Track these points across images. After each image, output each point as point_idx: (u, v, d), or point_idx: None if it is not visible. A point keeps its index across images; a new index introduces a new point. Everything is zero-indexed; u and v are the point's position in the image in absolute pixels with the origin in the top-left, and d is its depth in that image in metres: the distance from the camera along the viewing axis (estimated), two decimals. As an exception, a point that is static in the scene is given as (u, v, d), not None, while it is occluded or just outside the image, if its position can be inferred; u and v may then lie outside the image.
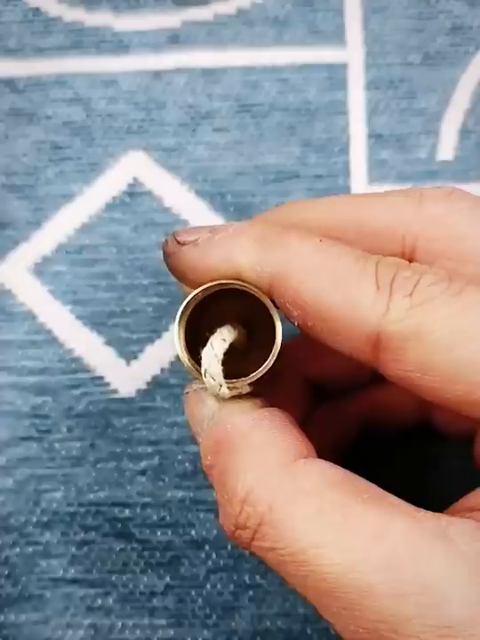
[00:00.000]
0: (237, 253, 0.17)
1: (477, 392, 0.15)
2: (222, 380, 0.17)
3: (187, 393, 0.19)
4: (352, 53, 0.30)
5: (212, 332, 0.18)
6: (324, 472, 0.16)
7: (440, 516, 0.15)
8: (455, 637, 0.14)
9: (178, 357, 0.18)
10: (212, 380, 0.17)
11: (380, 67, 0.29)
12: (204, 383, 0.18)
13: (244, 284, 0.17)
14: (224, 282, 0.17)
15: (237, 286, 0.17)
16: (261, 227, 0.18)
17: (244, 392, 0.18)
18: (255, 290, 0.17)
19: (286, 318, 0.18)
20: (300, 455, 0.17)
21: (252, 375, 0.17)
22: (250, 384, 0.18)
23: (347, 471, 0.16)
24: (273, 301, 0.17)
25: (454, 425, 0.22)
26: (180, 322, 0.18)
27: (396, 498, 0.16)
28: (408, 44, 0.30)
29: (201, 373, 0.17)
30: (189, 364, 0.18)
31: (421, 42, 0.30)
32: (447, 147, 0.29)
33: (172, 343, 0.18)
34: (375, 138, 0.29)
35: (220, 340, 0.17)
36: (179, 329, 0.18)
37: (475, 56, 0.30)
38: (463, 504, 0.17)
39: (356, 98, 0.29)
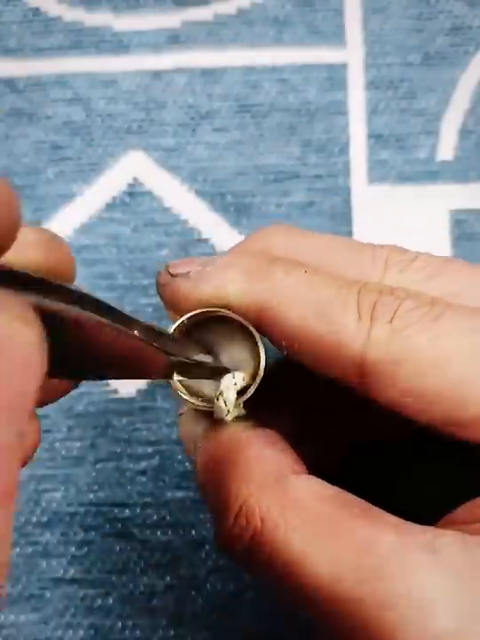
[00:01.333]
0: (227, 285, 0.18)
1: (459, 413, 0.16)
2: (232, 407, 0.18)
3: (181, 414, 0.19)
4: (352, 53, 0.30)
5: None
6: (315, 487, 0.17)
7: (427, 529, 0.16)
8: None
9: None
10: (223, 405, 0.18)
11: (380, 67, 0.29)
12: (194, 404, 0.18)
13: (229, 313, 0.18)
14: (211, 309, 0.18)
15: (223, 314, 0.18)
16: (249, 259, 0.18)
17: (240, 415, 0.18)
18: (240, 318, 0.18)
19: (274, 346, 0.18)
20: (293, 471, 0.17)
21: (238, 400, 0.18)
22: (243, 405, 0.18)
23: (336, 487, 0.17)
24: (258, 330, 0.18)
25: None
26: None
27: (384, 512, 0.16)
28: (408, 44, 0.30)
29: (186, 396, 0.18)
30: (179, 388, 0.18)
31: (421, 42, 0.30)
32: (447, 147, 0.29)
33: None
34: (375, 138, 0.29)
35: (239, 374, 0.18)
36: None
37: (475, 56, 0.30)
38: (453, 517, 0.17)
39: (356, 98, 0.29)
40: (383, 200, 0.29)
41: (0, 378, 0.10)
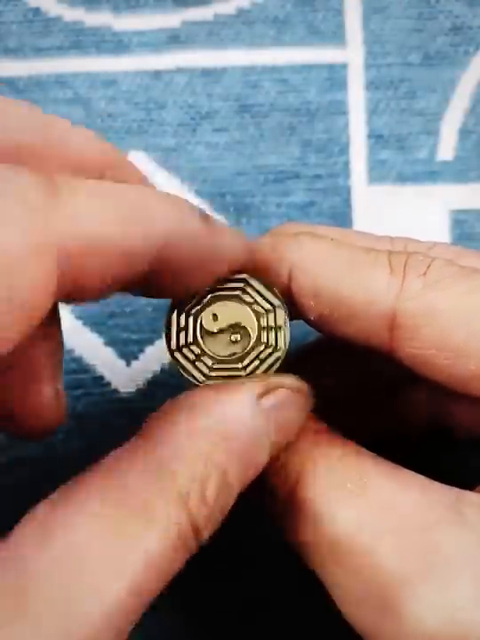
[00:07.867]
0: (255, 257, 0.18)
1: None
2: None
3: None
4: (352, 53, 0.30)
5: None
6: (344, 446, 0.17)
7: (453, 489, 0.16)
8: (460, 609, 0.14)
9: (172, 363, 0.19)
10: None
11: (380, 67, 0.29)
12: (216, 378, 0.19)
13: (252, 276, 0.18)
14: (233, 277, 0.18)
15: (242, 284, 0.18)
16: (273, 236, 0.19)
17: None
18: (260, 283, 0.18)
19: (301, 317, 0.18)
20: (325, 430, 0.18)
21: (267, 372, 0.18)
22: None
23: (364, 448, 0.17)
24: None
25: (474, 425, 0.23)
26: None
27: (411, 472, 0.17)
28: (408, 44, 0.30)
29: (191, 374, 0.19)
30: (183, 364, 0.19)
31: (421, 42, 0.30)
32: (447, 147, 0.29)
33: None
34: (375, 138, 0.29)
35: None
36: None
37: (475, 56, 0.30)
38: None
39: (356, 98, 0.29)
40: (383, 200, 0.29)
41: None
